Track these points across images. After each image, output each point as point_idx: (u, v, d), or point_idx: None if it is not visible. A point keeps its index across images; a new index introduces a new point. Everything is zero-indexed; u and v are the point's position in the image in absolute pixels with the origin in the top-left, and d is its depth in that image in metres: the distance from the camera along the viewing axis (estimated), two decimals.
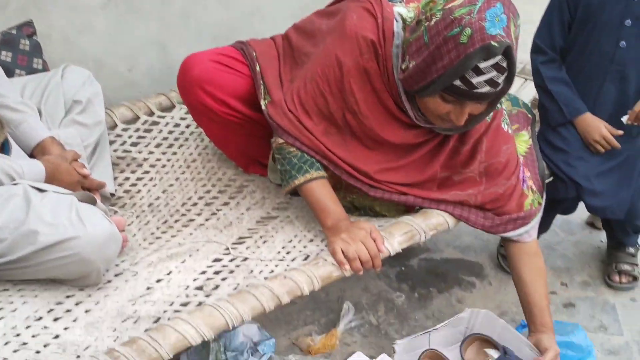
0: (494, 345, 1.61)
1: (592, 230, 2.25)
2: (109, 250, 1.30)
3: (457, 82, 1.29)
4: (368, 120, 1.47)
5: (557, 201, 1.82)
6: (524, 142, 1.70)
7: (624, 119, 1.71)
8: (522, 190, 1.55)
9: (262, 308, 1.29)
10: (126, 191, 1.79)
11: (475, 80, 1.28)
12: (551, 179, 1.77)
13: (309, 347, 1.74)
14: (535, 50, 1.82)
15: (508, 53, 1.25)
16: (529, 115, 1.80)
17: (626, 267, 1.96)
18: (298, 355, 1.70)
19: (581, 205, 2.14)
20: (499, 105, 1.46)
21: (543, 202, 1.62)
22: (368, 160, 1.53)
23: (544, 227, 2.01)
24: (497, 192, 1.50)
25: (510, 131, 1.57)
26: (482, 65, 1.26)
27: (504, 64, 1.27)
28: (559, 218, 2.27)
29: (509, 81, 1.31)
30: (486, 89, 1.29)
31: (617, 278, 1.96)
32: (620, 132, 1.72)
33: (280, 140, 1.53)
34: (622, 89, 1.73)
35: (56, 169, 1.47)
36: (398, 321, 1.86)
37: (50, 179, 1.44)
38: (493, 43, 1.23)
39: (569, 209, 1.92)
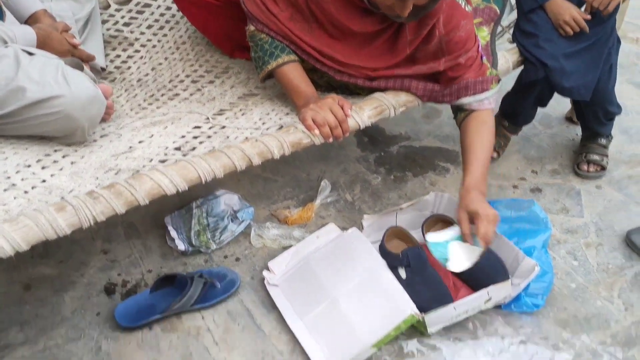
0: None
1: (569, 125, 2.32)
2: (92, 110, 1.40)
3: None
4: (328, 5, 1.52)
5: (529, 85, 1.89)
6: (482, 37, 1.74)
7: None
8: (482, 62, 1.60)
9: (234, 166, 1.39)
10: (117, 67, 1.88)
11: None
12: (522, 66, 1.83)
13: (286, 218, 1.86)
14: None
15: None
16: (497, 11, 1.83)
17: (595, 157, 2.04)
18: (275, 224, 1.83)
19: (562, 101, 2.22)
20: None
21: (499, 86, 1.65)
22: (333, 47, 1.59)
23: (523, 116, 2.08)
24: (459, 62, 1.56)
25: (468, 9, 1.60)
26: None
27: None
28: (539, 113, 2.33)
29: None
30: None
31: (585, 167, 2.05)
32: (589, 16, 1.77)
33: (252, 27, 1.61)
34: None
35: (47, 37, 1.56)
36: (372, 199, 1.97)
37: (42, 45, 1.53)
38: None
39: (543, 97, 1.97)
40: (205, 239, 1.74)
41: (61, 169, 1.36)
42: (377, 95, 1.61)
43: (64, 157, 1.41)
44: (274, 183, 2.03)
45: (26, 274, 1.67)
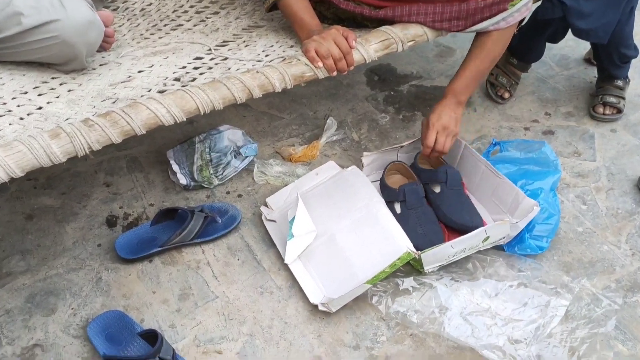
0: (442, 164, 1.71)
1: (587, 67, 2.24)
2: (90, 35, 1.36)
3: None
4: None
5: (545, 23, 1.81)
6: None
7: None
8: None
9: (233, 98, 1.35)
10: None
11: None
12: (539, 2, 1.75)
13: (291, 156, 1.84)
14: None
15: None
16: None
17: (612, 99, 1.97)
18: (279, 161, 1.81)
19: (581, 42, 2.13)
20: None
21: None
22: None
23: (535, 53, 2.01)
24: None
25: None
26: None
27: None
28: (556, 54, 2.27)
29: None
30: None
31: (601, 109, 1.98)
32: None
33: None
34: None
35: None
36: (379, 139, 1.93)
37: None
38: None
39: (557, 34, 1.89)
40: (208, 174, 1.72)
41: (58, 97, 1.34)
42: (384, 28, 1.55)
43: (61, 84, 1.38)
44: (279, 120, 2.00)
45: (29, 205, 1.67)
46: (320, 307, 1.39)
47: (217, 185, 1.74)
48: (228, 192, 1.74)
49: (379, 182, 1.70)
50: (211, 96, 1.32)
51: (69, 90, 1.36)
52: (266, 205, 1.65)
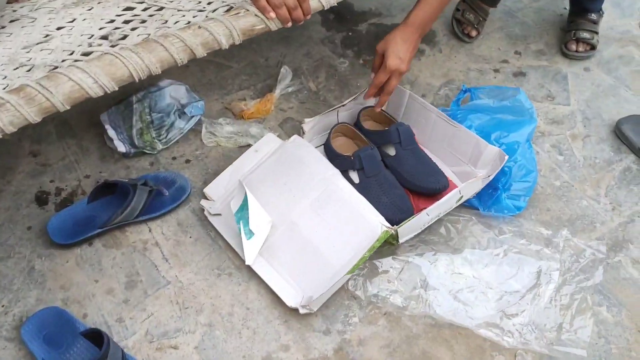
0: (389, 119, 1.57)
1: None
2: None
3: None
4: None
5: None
6: None
7: None
8: None
9: (173, 60, 1.15)
10: None
11: None
12: None
13: (242, 112, 1.65)
14: None
15: None
16: None
17: (585, 34, 1.83)
18: (229, 119, 1.62)
19: None
20: None
21: None
22: None
23: None
24: None
25: None
26: None
27: None
28: None
29: None
30: None
31: (574, 46, 1.84)
32: None
33: None
34: None
35: None
36: (338, 87, 1.75)
37: None
38: None
39: None
40: (150, 138, 1.52)
41: None
42: None
43: None
44: (227, 70, 1.79)
45: None
46: (302, 310, 1.22)
47: (161, 150, 1.55)
48: (174, 158, 1.55)
49: (322, 146, 1.54)
50: (146, 60, 1.12)
51: None
52: (205, 197, 1.45)
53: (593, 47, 1.85)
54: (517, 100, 1.58)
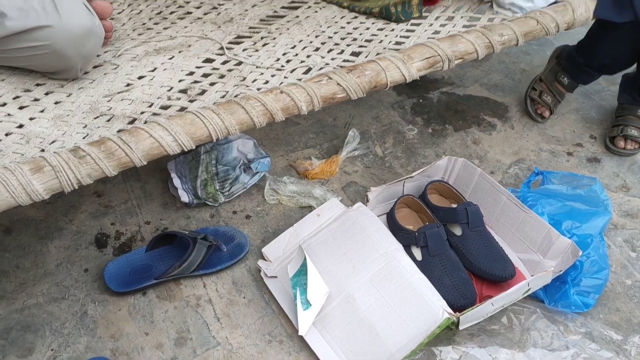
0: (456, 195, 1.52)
1: None
2: (87, 46, 1.14)
3: None
4: None
5: (609, 27, 1.57)
6: None
7: None
8: None
9: (252, 123, 1.14)
10: None
11: None
12: None
13: (307, 171, 1.63)
14: None
15: None
16: None
17: (633, 132, 1.74)
18: (293, 178, 1.60)
19: None
20: None
21: None
22: None
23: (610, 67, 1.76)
24: None
25: None
26: None
27: None
28: None
29: None
30: None
31: (622, 143, 1.75)
32: None
33: None
34: None
35: None
36: (405, 155, 1.72)
37: None
38: None
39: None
40: (213, 191, 1.51)
41: (42, 111, 1.13)
42: (429, 42, 1.34)
43: (46, 94, 1.17)
44: (295, 126, 1.78)
45: (7, 215, 1.47)
46: None
47: (223, 203, 1.54)
48: (235, 212, 1.54)
49: (384, 215, 1.51)
50: (227, 121, 1.11)
51: (56, 102, 1.15)
52: (262, 257, 1.42)
53: None
54: (592, 191, 1.51)
